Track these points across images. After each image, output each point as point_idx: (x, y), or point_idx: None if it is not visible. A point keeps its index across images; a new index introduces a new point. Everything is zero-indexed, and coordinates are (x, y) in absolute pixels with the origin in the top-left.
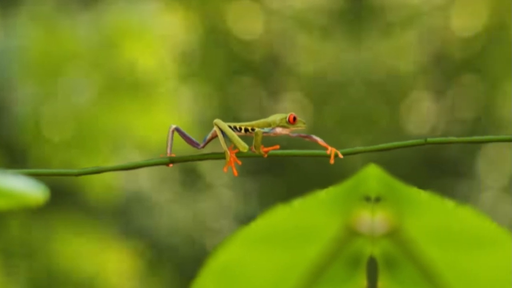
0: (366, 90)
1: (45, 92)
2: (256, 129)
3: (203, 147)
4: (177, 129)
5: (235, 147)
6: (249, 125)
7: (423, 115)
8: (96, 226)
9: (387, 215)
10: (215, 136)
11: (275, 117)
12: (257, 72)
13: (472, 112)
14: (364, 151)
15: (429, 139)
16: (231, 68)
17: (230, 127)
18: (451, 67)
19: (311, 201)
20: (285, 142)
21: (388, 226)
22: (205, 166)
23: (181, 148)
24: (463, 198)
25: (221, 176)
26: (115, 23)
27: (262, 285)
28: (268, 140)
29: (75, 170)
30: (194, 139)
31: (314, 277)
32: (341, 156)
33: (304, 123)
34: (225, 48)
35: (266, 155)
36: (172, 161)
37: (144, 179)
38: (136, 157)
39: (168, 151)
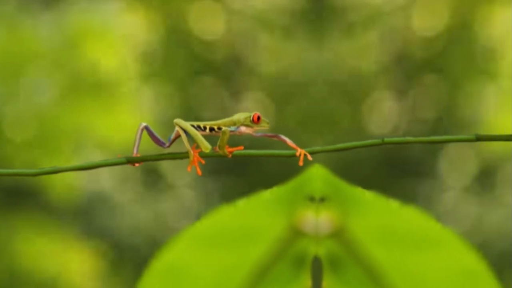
0: (328, 90)
1: (7, 92)
2: (224, 128)
3: (168, 146)
4: (146, 128)
5: (198, 146)
6: (214, 124)
7: (384, 115)
8: (58, 226)
9: (332, 215)
10: (178, 136)
11: (239, 116)
12: (218, 72)
13: (434, 112)
14: (322, 151)
15: (386, 139)
16: (192, 68)
17: (193, 126)
18: (412, 67)
19: (255, 201)
20: (248, 142)
21: (332, 226)
22: (166, 166)
23: (148, 147)
24: (425, 198)
25: (183, 176)
26: (77, 23)
27: (207, 286)
28: (232, 140)
29: (33, 170)
30: (161, 138)
31: (259, 277)
32: (310, 158)
33: (267, 123)
34: (186, 48)
35: (230, 155)
36: (129, 160)
37: (106, 179)
38: (98, 157)
39: (135, 149)
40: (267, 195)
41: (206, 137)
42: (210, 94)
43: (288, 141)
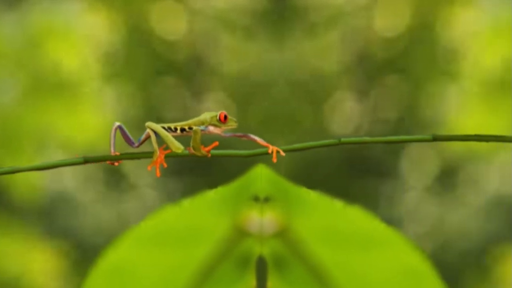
0: (290, 90)
1: None
2: (195, 127)
3: (137, 146)
4: (119, 127)
5: (166, 147)
6: (184, 125)
7: (346, 115)
8: (21, 226)
9: (276, 215)
10: (148, 137)
11: (206, 116)
12: (180, 72)
13: (395, 112)
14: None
15: (343, 139)
16: (154, 68)
17: (164, 128)
18: (374, 67)
19: (200, 201)
20: (211, 142)
21: (277, 226)
22: (129, 166)
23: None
24: (386, 198)
25: (145, 176)
26: (39, 23)
27: (152, 285)
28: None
29: None
30: (131, 138)
31: (203, 277)
32: (282, 154)
33: (235, 122)
34: (148, 48)
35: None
36: (87, 160)
37: (68, 179)
38: (60, 157)
39: (112, 148)
40: (211, 195)
41: (177, 139)
42: (172, 94)
43: (258, 140)
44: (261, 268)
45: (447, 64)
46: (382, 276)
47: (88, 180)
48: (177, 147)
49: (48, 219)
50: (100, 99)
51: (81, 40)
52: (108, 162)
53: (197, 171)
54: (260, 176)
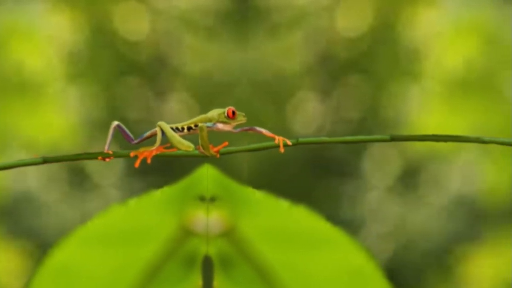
0: (253, 91)
1: None
2: (200, 124)
3: (137, 143)
4: (118, 126)
5: (169, 147)
6: (191, 123)
7: (309, 115)
8: None
9: (222, 215)
10: (149, 136)
11: (213, 113)
12: (143, 72)
13: (358, 112)
14: (236, 152)
15: (300, 139)
16: (117, 69)
17: (172, 129)
18: (337, 67)
19: (146, 201)
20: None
21: (223, 225)
22: (93, 166)
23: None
24: (349, 198)
25: (109, 176)
26: (2, 24)
27: (98, 285)
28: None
29: None
30: (130, 134)
31: (150, 277)
32: (289, 143)
33: (244, 116)
34: (111, 48)
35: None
36: (46, 160)
37: (32, 179)
38: (23, 157)
39: (106, 146)
40: (158, 195)
41: (186, 138)
42: (135, 94)
43: (264, 131)
44: (207, 268)
45: (409, 64)
46: (327, 275)
47: (51, 180)
48: (187, 146)
49: (11, 219)
50: (63, 99)
51: (44, 40)
52: (99, 158)
53: (161, 170)
54: (206, 176)
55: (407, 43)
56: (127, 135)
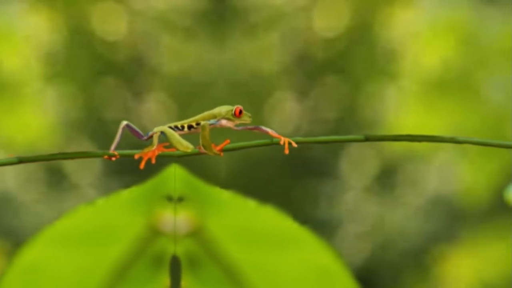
0: (230, 91)
1: None
2: (202, 122)
3: (147, 139)
4: (127, 125)
5: (169, 146)
6: (193, 121)
7: (286, 115)
8: None
9: (190, 215)
10: (155, 133)
11: (221, 109)
12: (121, 73)
13: (335, 112)
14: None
15: (275, 139)
16: (95, 69)
17: (171, 127)
18: (314, 67)
19: (114, 200)
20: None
21: (190, 225)
22: (70, 166)
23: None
24: (326, 198)
25: (87, 176)
26: None
27: (66, 285)
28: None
29: None
30: (140, 132)
31: (118, 277)
32: (294, 145)
33: (249, 117)
34: (89, 48)
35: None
36: (21, 160)
37: (10, 179)
38: (1, 157)
39: (113, 146)
40: (125, 194)
41: (186, 137)
42: (112, 94)
43: (270, 131)
44: (175, 268)
45: (386, 64)
46: (294, 274)
47: (29, 180)
48: (186, 146)
49: None
50: (41, 100)
51: (22, 40)
52: (105, 157)
53: (138, 170)
54: (174, 175)
55: (384, 43)
56: (137, 132)
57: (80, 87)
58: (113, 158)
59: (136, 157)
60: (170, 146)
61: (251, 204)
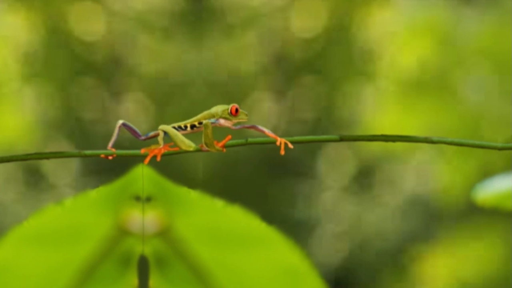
0: (208, 91)
1: None
2: (204, 121)
3: (144, 140)
4: (124, 124)
5: (173, 146)
6: (194, 120)
7: (264, 116)
8: None
9: (158, 215)
10: (157, 134)
11: (217, 109)
12: (99, 73)
13: (313, 112)
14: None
15: (250, 139)
16: (73, 69)
17: (174, 127)
18: (291, 68)
19: (82, 200)
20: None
21: (158, 225)
22: (48, 166)
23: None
24: (304, 197)
25: (64, 176)
26: None
27: (34, 284)
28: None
29: None
30: (138, 131)
31: (86, 276)
32: (291, 146)
33: (246, 115)
34: (67, 49)
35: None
36: None
37: None
38: None
39: (110, 144)
40: (93, 194)
41: (189, 136)
42: (90, 94)
43: (266, 131)
44: (143, 267)
45: (364, 64)
46: (262, 274)
47: (7, 180)
48: (188, 145)
49: None
50: (19, 99)
51: (0, 40)
52: (102, 156)
53: (117, 170)
54: (142, 175)
55: (361, 44)
56: (135, 131)
57: (58, 87)
58: (110, 157)
59: (142, 151)
60: (174, 145)
61: (218, 204)
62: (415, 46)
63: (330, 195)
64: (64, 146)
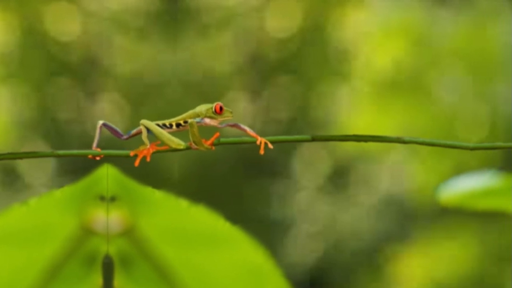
0: (183, 91)
1: None
2: (190, 120)
3: (127, 139)
4: (104, 124)
5: (160, 145)
6: (179, 119)
7: (239, 115)
8: None
9: (122, 214)
10: (140, 132)
11: (201, 108)
12: (74, 73)
13: (288, 112)
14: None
15: (222, 139)
16: (49, 69)
17: (159, 125)
18: (266, 68)
19: (46, 200)
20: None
21: (123, 225)
22: (24, 166)
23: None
24: (279, 197)
25: (40, 176)
26: None
27: None
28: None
29: None
30: (119, 131)
31: (50, 276)
32: (270, 146)
33: (231, 113)
34: (42, 49)
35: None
36: None
37: None
38: None
39: (94, 145)
40: (58, 194)
41: (175, 135)
42: (66, 95)
43: (248, 130)
44: (108, 267)
45: (338, 64)
46: (226, 274)
47: None
48: (178, 143)
49: None
50: None
51: None
52: (90, 156)
53: (91, 170)
54: (106, 175)
55: (336, 44)
56: (116, 131)
57: (33, 87)
58: (97, 158)
59: (132, 154)
60: (161, 144)
61: (183, 203)
62: (389, 46)
63: (305, 195)
64: (40, 146)
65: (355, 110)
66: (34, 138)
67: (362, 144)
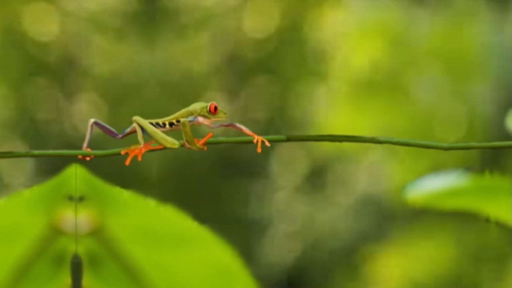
0: (161, 91)
1: None
2: (182, 120)
3: (121, 138)
4: (96, 123)
5: (154, 144)
6: (172, 118)
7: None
8: None
9: (91, 214)
10: (134, 131)
11: (195, 106)
12: (52, 73)
13: (266, 112)
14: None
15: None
16: (27, 69)
17: (152, 124)
18: (244, 68)
19: (15, 200)
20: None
21: (91, 225)
22: (2, 166)
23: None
24: (257, 197)
25: (19, 176)
26: None
27: None
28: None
29: None
30: (113, 130)
31: (19, 276)
32: (268, 144)
33: (225, 113)
34: (20, 49)
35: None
36: None
37: None
38: None
39: (85, 144)
40: (26, 194)
41: (169, 134)
42: (44, 95)
43: (244, 129)
44: (76, 267)
45: (316, 65)
46: (194, 273)
47: None
48: (172, 142)
49: None
50: None
51: None
52: (79, 156)
53: None
54: (75, 175)
55: (314, 44)
56: (110, 130)
57: (11, 87)
58: (88, 158)
59: (123, 153)
60: (154, 144)
61: (151, 203)
62: (367, 46)
63: (282, 195)
64: (18, 146)
65: (332, 110)
66: (12, 138)
67: (340, 144)
